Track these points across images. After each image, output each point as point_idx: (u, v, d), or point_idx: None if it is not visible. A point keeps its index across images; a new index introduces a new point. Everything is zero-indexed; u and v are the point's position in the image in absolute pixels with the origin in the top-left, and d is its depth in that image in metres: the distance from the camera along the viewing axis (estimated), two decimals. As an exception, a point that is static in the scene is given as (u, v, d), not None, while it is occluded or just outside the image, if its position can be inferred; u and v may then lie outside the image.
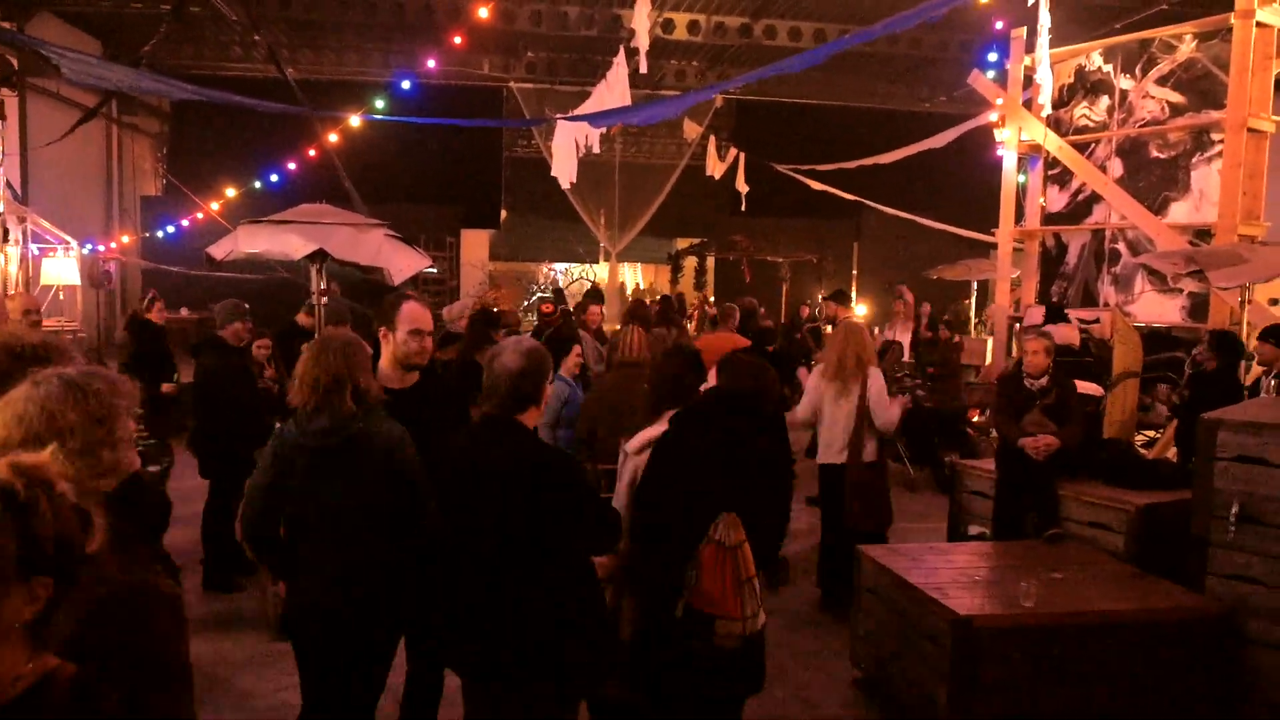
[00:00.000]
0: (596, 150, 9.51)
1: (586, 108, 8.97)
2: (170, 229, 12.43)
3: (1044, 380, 5.19)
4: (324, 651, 3.04)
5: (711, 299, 15.14)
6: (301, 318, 6.75)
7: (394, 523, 2.95)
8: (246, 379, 5.76)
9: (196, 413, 5.78)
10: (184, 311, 12.52)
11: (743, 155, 13.89)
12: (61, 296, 10.87)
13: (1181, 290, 8.31)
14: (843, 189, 12.78)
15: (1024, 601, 3.81)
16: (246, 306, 5.98)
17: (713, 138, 14.36)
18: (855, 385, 5.33)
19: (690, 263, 17.92)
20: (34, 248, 10.40)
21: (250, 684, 4.53)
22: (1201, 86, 8.21)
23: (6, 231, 9.07)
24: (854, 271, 18.34)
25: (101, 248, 12.52)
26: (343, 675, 3.02)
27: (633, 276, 19.88)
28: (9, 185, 9.22)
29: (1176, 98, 8.43)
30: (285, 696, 4.40)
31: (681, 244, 18.62)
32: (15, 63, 8.71)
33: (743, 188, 13.77)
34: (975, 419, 8.90)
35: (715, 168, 14.02)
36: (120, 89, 9.72)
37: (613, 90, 8.79)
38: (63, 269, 10.81)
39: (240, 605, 5.51)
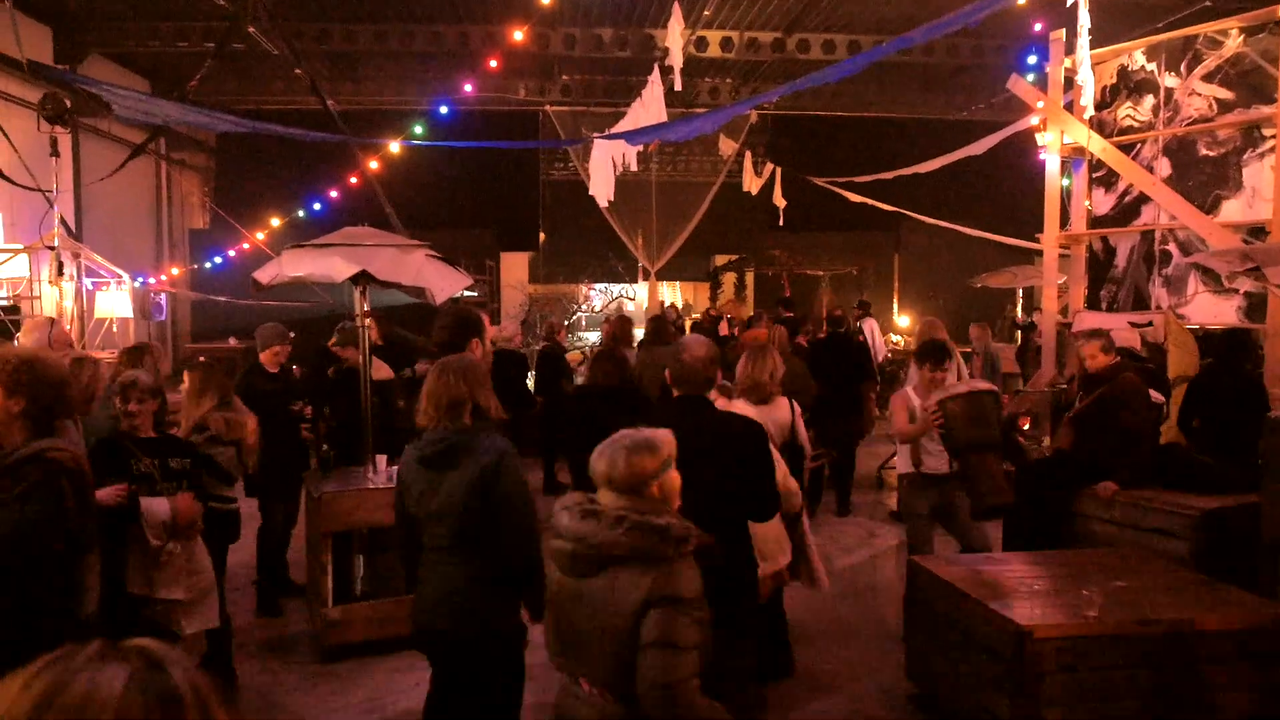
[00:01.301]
0: (634, 168, 9.56)
1: (622, 127, 9.01)
2: (218, 260, 12.68)
3: (1073, 386, 5.08)
4: (441, 672, 3.09)
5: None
6: (333, 345, 6.80)
7: (484, 538, 3.00)
8: (281, 403, 5.79)
9: None
10: (232, 341, 12.75)
11: (779, 170, 13.85)
12: (115, 329, 11.13)
13: (1237, 290, 8.08)
14: (881, 200, 12.67)
15: (1087, 611, 3.69)
16: (289, 333, 6.06)
17: (749, 153, 14.34)
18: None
19: (729, 279, 17.86)
20: (88, 282, 10.66)
21: (300, 704, 4.54)
22: (1251, 81, 8.01)
23: (61, 266, 9.30)
24: (895, 283, 18.16)
25: (152, 280, 12.81)
26: (463, 695, 3.04)
27: (671, 294, 19.86)
28: (63, 222, 9.47)
29: (1225, 94, 8.24)
30: (336, 718, 4.40)
31: (720, 260, 18.57)
32: (68, 102, 8.96)
33: (780, 202, 13.73)
34: (1025, 427, 8.73)
35: (752, 183, 13.99)
36: (168, 123, 9.98)
37: (648, 109, 8.82)
38: (115, 302, 11.07)
39: (290, 627, 5.55)
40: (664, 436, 2.44)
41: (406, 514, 3.20)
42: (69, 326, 8.84)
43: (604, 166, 9.19)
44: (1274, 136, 7.67)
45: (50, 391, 2.80)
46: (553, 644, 2.44)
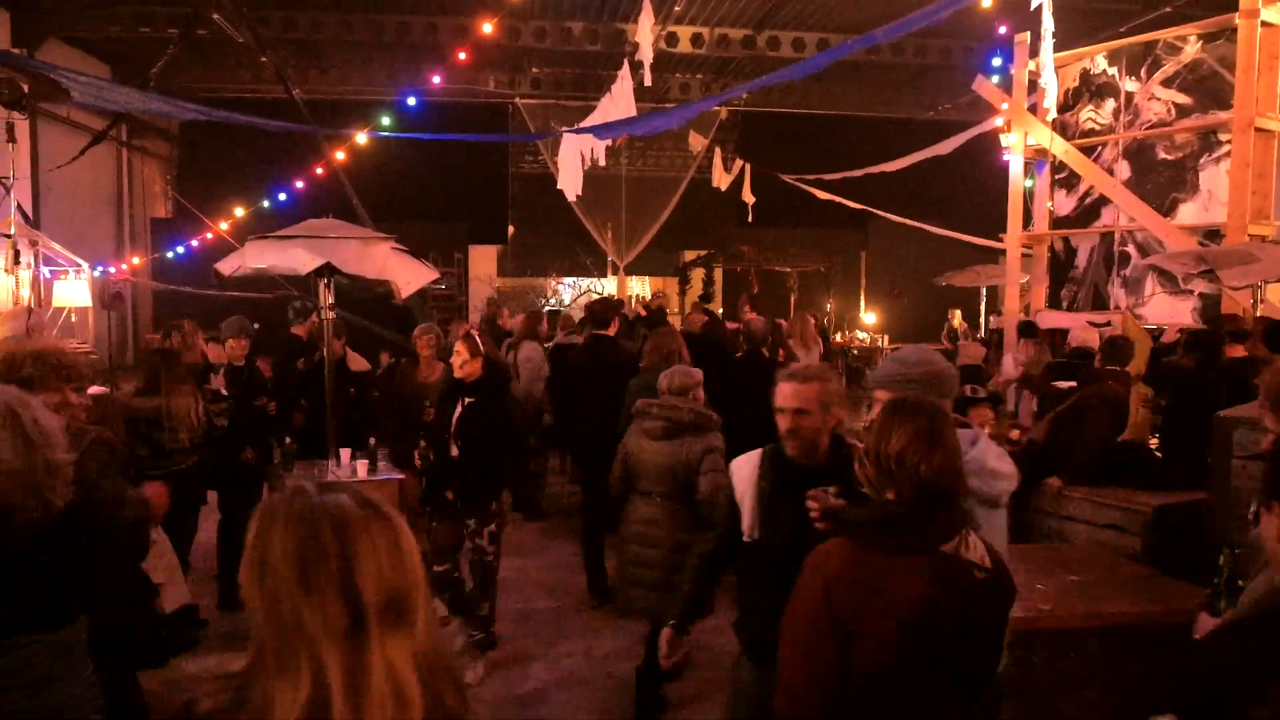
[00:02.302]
0: (602, 163, 9.55)
1: (591, 121, 9.00)
2: (180, 250, 12.49)
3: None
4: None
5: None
6: (298, 330, 6.78)
7: None
8: (243, 396, 5.76)
9: None
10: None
11: (748, 166, 13.91)
12: (74, 318, 10.92)
13: (1193, 291, 8.26)
14: (849, 198, 12.77)
15: (1041, 605, 3.77)
16: (251, 324, 6.01)
17: (718, 150, 14.38)
18: None
19: (698, 274, 17.91)
20: (45, 270, 10.45)
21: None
22: (1208, 87, 8.19)
23: (18, 254, 9.11)
24: (862, 280, 18.31)
25: (113, 270, 12.59)
26: None
27: (640, 289, 19.88)
28: (20, 209, 9.28)
29: (1183, 99, 8.41)
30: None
31: (689, 256, 18.62)
32: (26, 87, 8.78)
33: (749, 198, 13.78)
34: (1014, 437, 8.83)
35: (721, 179, 14.03)
36: (129, 111, 9.80)
37: (617, 103, 8.81)
38: (74, 291, 10.86)
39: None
40: (696, 371, 4.58)
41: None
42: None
43: (573, 160, 9.17)
44: (1229, 142, 7.84)
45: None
46: (626, 481, 4.45)
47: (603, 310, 6.41)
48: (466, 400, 4.81)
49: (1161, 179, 8.58)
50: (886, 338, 15.78)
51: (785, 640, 2.05)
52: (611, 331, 6.16)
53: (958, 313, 14.43)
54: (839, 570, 2.00)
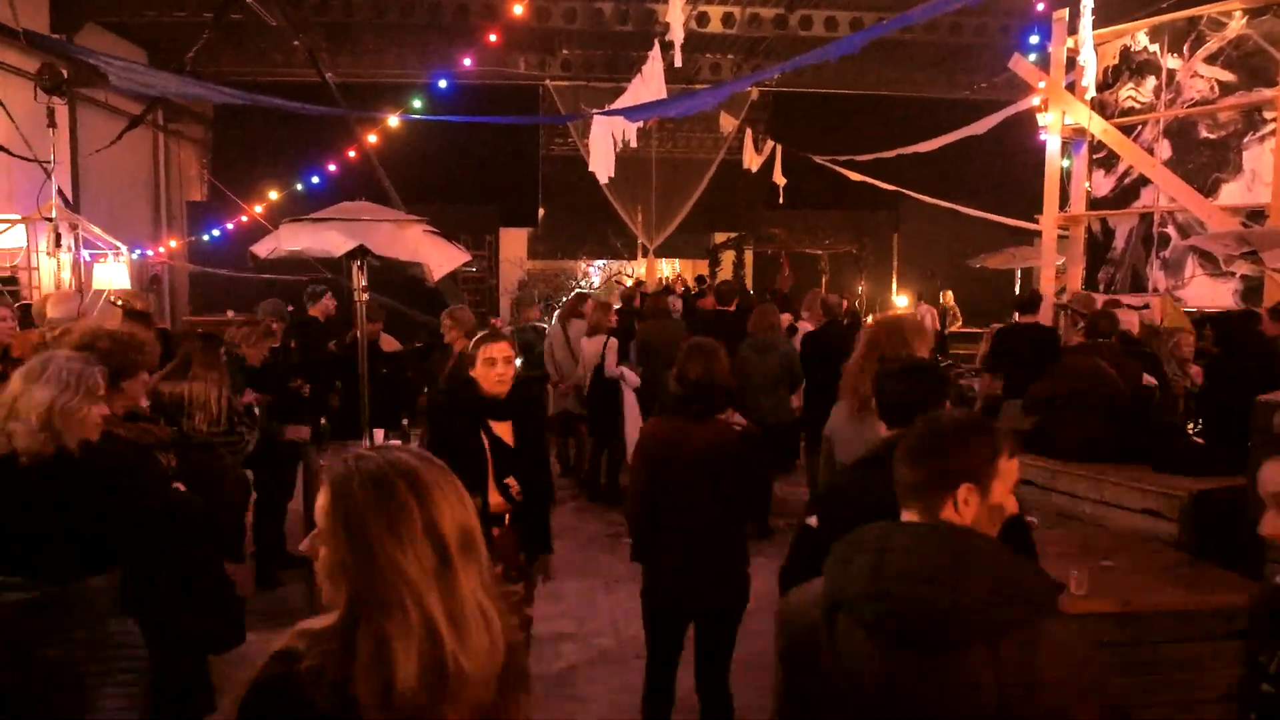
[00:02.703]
0: (634, 145, 9.52)
1: (622, 103, 8.97)
2: (215, 233, 12.64)
3: None
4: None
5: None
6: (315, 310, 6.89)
7: None
8: (278, 377, 5.87)
9: None
10: (229, 313, 12.73)
11: (779, 147, 13.80)
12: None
13: (1234, 273, 8.10)
14: (882, 179, 12.64)
15: (1075, 590, 3.73)
16: (285, 307, 6.10)
17: (749, 131, 14.27)
18: None
19: (728, 256, 17.85)
20: (86, 253, 10.63)
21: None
22: (1253, 64, 7.99)
23: (59, 237, 9.27)
24: (894, 262, 18.14)
25: (150, 253, 12.77)
26: None
27: (670, 271, 19.84)
28: (60, 193, 9.43)
29: (1227, 76, 8.22)
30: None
31: (719, 238, 18.54)
32: (65, 72, 8.90)
33: (780, 180, 13.68)
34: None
35: (752, 161, 13.94)
36: (166, 94, 9.92)
37: (648, 85, 8.78)
38: (114, 274, 11.04)
39: (291, 600, 5.60)
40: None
41: None
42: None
43: (604, 142, 9.16)
44: (1275, 120, 7.65)
45: None
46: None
47: (728, 291, 8.87)
48: (497, 423, 3.82)
49: (1203, 159, 8.40)
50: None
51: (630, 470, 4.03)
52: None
53: (949, 293, 14.59)
54: (653, 430, 3.81)
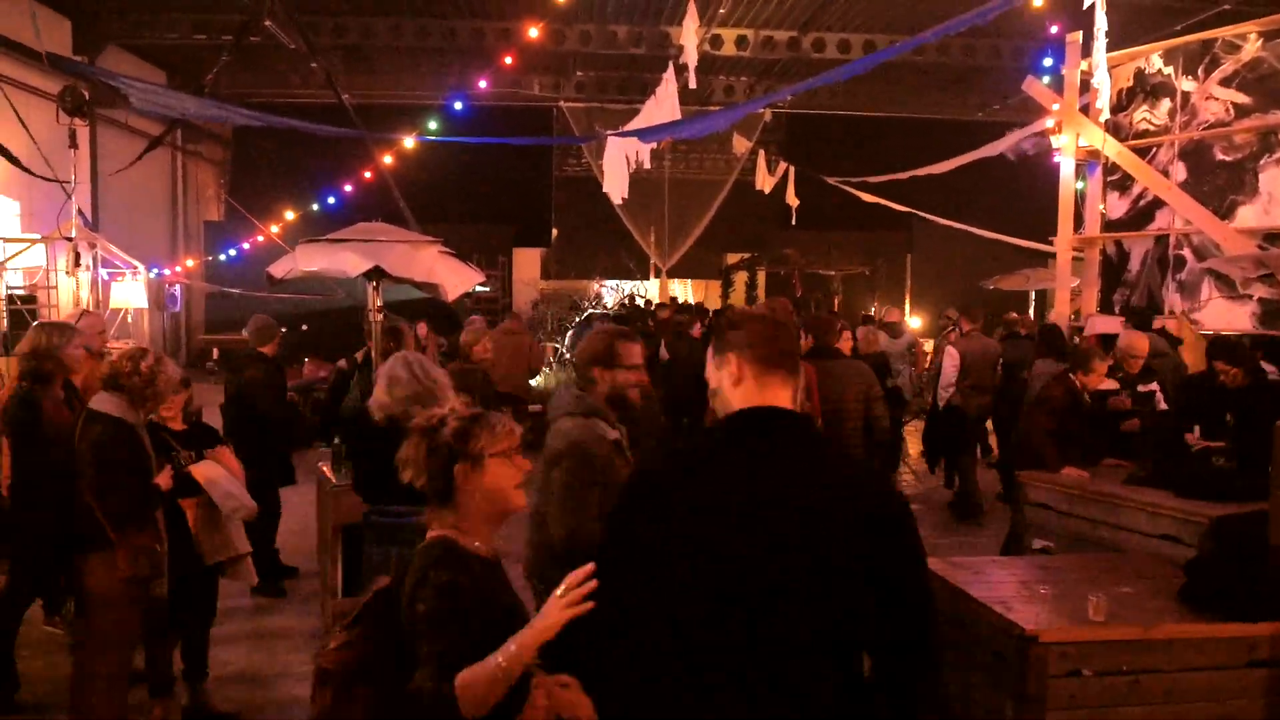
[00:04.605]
0: (647, 166, 9.57)
1: (636, 124, 9.02)
2: (232, 252, 12.75)
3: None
4: None
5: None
6: None
7: None
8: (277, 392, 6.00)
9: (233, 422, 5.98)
10: (244, 333, 12.81)
11: (792, 169, 13.83)
12: (130, 319, 11.21)
13: (1251, 296, 8.04)
14: (895, 200, 12.63)
15: (1094, 616, 3.69)
16: (277, 325, 6.24)
17: (762, 152, 14.32)
18: None
19: (741, 277, 17.85)
20: (104, 272, 10.74)
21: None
22: (1269, 86, 7.97)
23: (78, 256, 9.38)
24: (908, 283, 18.11)
25: (167, 271, 12.89)
26: None
27: (683, 292, 19.87)
28: (80, 212, 9.54)
29: (1242, 98, 8.19)
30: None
31: (732, 259, 18.56)
32: (87, 94, 9.03)
33: (793, 201, 13.70)
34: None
35: (765, 182, 13.97)
36: (185, 116, 10.04)
37: (662, 106, 8.84)
38: (130, 293, 11.14)
39: (296, 618, 5.60)
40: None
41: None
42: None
43: (618, 164, 9.22)
44: (1291, 142, 7.62)
45: None
46: None
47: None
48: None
49: (1219, 181, 8.36)
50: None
51: None
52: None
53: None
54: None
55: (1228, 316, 8.28)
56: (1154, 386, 6.05)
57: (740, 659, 1.69)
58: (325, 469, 5.35)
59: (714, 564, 1.72)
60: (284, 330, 6.45)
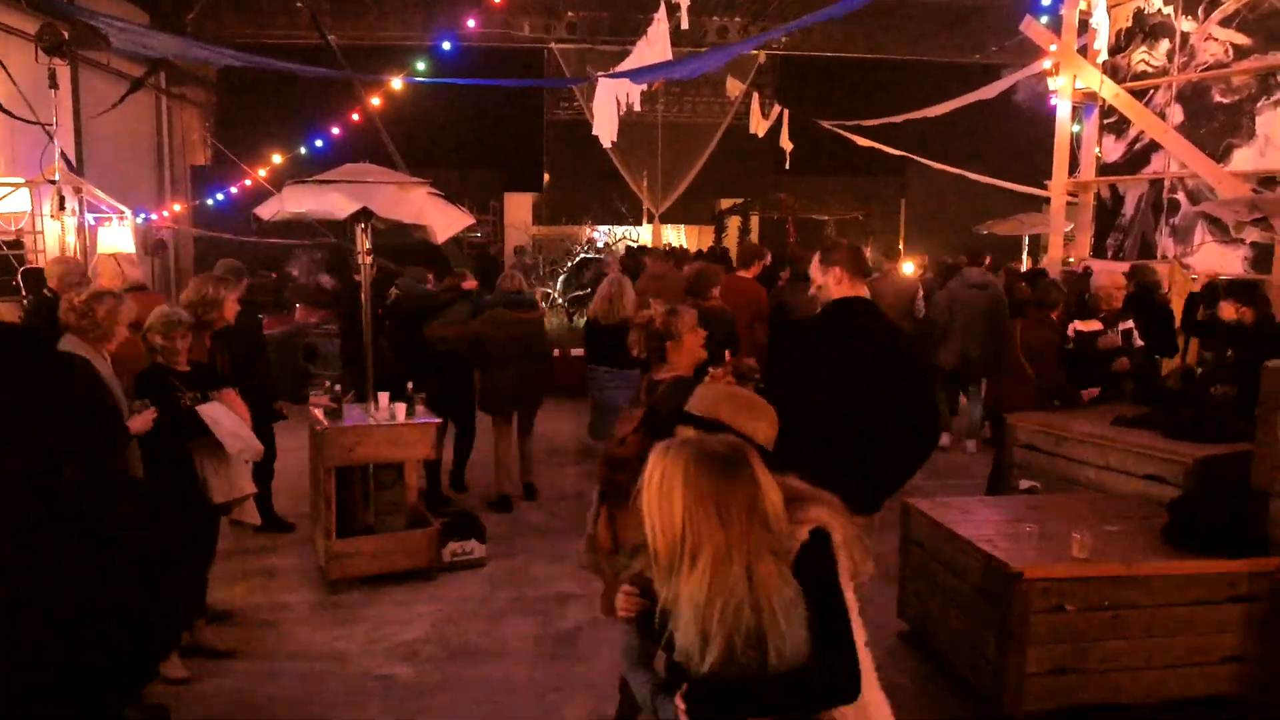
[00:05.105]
0: (638, 108, 9.44)
1: (627, 65, 8.88)
2: (220, 196, 12.59)
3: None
4: None
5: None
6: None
7: None
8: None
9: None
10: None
11: (786, 112, 13.65)
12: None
13: (1244, 240, 8.04)
14: (889, 144, 12.51)
15: (1077, 553, 3.75)
16: (244, 268, 6.15)
17: (756, 95, 14.12)
18: None
19: (734, 222, 17.73)
20: (90, 217, 10.59)
21: (306, 634, 4.65)
22: (1269, 27, 7.87)
23: (63, 200, 9.24)
24: (901, 228, 18.03)
25: (154, 217, 12.73)
26: None
27: (676, 237, 19.74)
28: (64, 156, 9.38)
29: (1242, 39, 8.09)
30: (339, 646, 4.52)
31: (725, 204, 18.41)
32: (66, 33, 8.81)
33: (787, 145, 13.55)
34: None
35: (759, 125, 13.80)
36: (167, 56, 9.85)
37: (653, 47, 8.69)
38: (118, 238, 10.99)
39: (291, 559, 5.66)
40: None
41: None
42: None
43: (608, 106, 9.09)
44: (1289, 83, 7.55)
45: None
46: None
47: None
48: None
49: (1216, 123, 8.30)
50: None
51: None
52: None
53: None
54: None
55: (1220, 260, 8.29)
56: (1130, 324, 6.09)
57: (852, 421, 3.19)
58: (317, 413, 5.36)
59: (833, 373, 3.28)
60: (275, 275, 6.37)
